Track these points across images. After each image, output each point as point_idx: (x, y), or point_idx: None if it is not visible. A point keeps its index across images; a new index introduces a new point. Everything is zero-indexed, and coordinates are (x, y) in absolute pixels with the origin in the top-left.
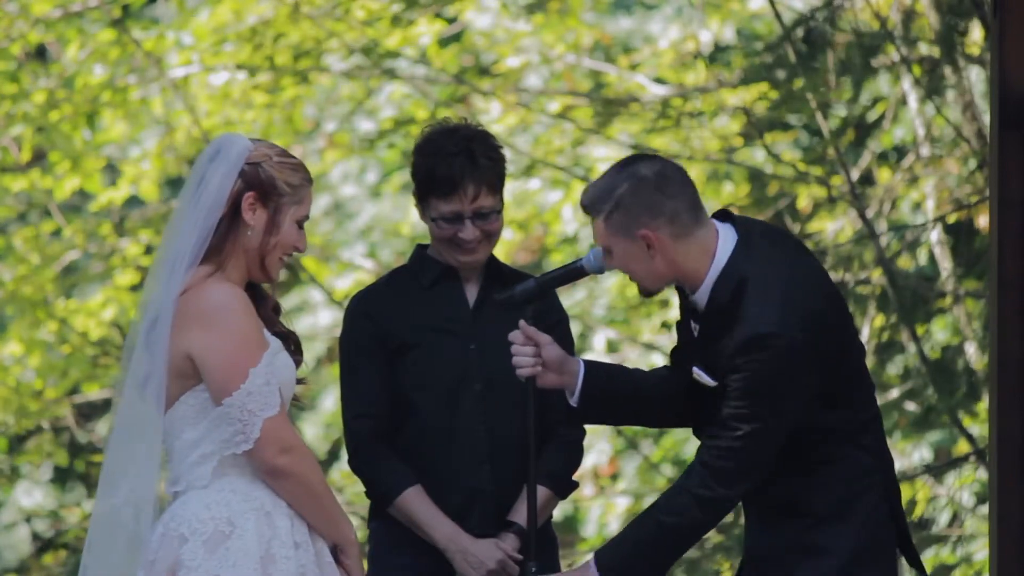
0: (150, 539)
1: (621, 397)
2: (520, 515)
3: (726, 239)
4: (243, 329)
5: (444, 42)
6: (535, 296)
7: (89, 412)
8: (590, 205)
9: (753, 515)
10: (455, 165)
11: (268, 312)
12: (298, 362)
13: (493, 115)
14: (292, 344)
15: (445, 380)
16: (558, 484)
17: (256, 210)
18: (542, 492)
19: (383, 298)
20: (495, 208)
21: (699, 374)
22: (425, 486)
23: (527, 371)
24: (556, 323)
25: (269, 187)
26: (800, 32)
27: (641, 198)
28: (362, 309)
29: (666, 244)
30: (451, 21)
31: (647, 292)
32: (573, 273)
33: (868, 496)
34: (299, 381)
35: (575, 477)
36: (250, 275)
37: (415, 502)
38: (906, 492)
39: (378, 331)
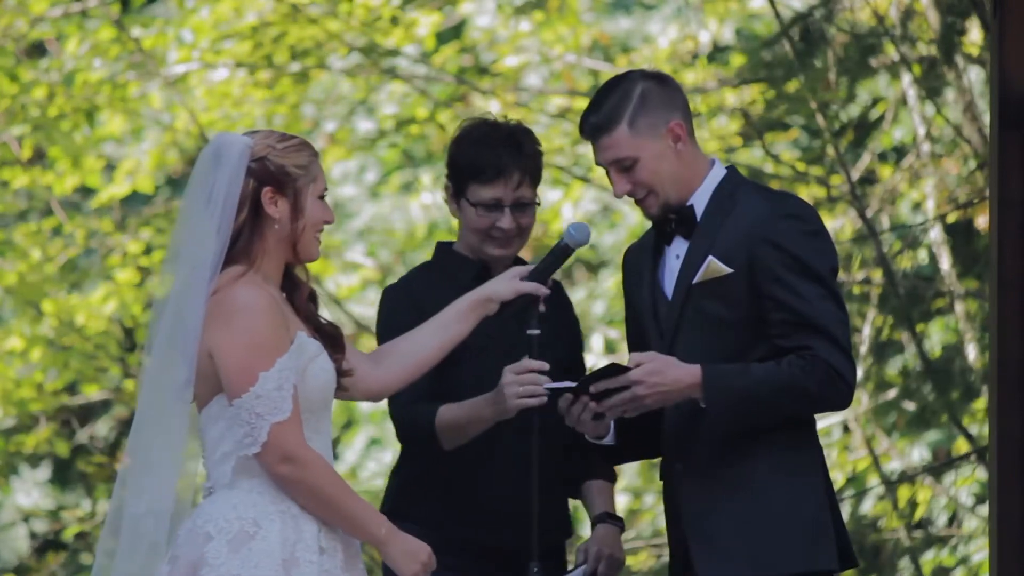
0: (174, 538)
1: (652, 427)
2: (600, 507)
3: (719, 164)
4: (259, 331)
5: (443, 37)
6: (533, 297)
7: (89, 411)
8: (605, 121)
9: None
10: (502, 152)
11: (304, 303)
12: (339, 360)
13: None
14: (338, 339)
15: (485, 384)
16: (606, 472)
17: (278, 202)
18: (602, 485)
19: (422, 290)
20: (533, 201)
21: (714, 262)
22: (461, 484)
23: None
24: (572, 323)
25: (283, 176)
26: (798, 31)
27: (658, 95)
28: (405, 293)
29: (685, 139)
30: (446, 18)
31: (667, 207)
32: (559, 254)
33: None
34: (344, 373)
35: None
36: (290, 260)
37: (450, 410)
38: (905, 492)
39: (421, 317)
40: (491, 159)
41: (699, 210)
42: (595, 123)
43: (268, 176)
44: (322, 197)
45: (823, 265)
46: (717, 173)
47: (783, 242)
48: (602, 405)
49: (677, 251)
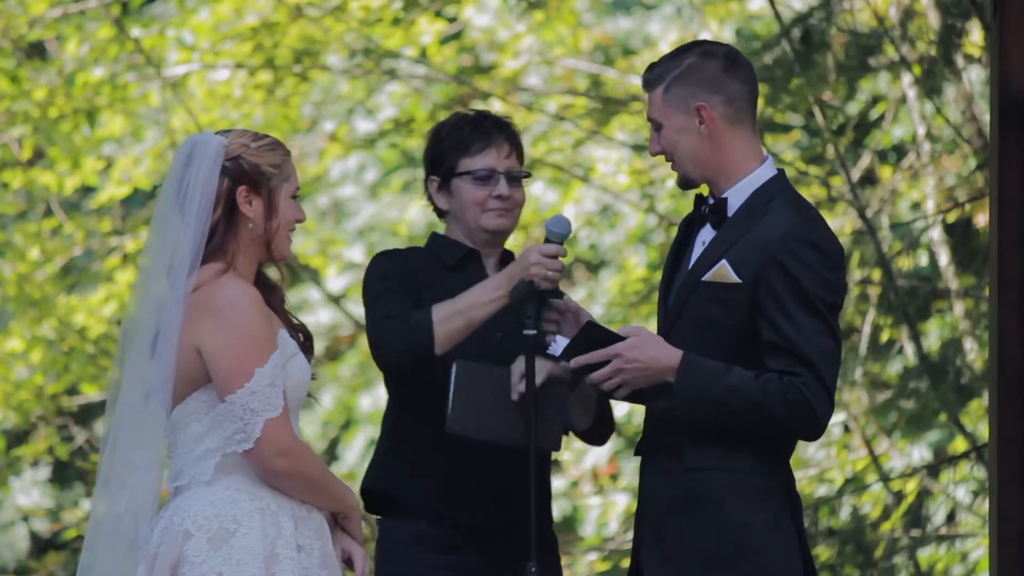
0: (150, 537)
1: None
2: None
3: (770, 163)
4: (253, 328)
5: (444, 41)
6: (527, 293)
7: (88, 412)
8: (651, 79)
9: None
10: (486, 126)
11: (277, 303)
12: (309, 359)
13: None
14: (305, 339)
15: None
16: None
17: (252, 201)
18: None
19: (413, 260)
20: (523, 175)
21: (725, 267)
22: (439, 464)
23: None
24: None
25: (257, 175)
26: (798, 31)
27: (705, 72)
28: (396, 253)
29: (718, 124)
30: (452, 20)
31: (687, 180)
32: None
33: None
34: (312, 377)
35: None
36: (263, 259)
37: (446, 302)
38: (903, 490)
39: (412, 278)
40: (477, 133)
41: (733, 206)
42: (644, 78)
43: (243, 175)
44: (295, 196)
45: (827, 300)
46: (764, 173)
47: (793, 268)
48: (585, 381)
49: (704, 238)
